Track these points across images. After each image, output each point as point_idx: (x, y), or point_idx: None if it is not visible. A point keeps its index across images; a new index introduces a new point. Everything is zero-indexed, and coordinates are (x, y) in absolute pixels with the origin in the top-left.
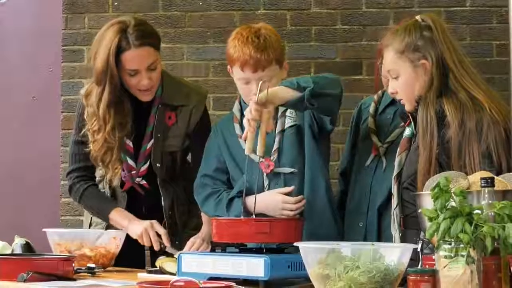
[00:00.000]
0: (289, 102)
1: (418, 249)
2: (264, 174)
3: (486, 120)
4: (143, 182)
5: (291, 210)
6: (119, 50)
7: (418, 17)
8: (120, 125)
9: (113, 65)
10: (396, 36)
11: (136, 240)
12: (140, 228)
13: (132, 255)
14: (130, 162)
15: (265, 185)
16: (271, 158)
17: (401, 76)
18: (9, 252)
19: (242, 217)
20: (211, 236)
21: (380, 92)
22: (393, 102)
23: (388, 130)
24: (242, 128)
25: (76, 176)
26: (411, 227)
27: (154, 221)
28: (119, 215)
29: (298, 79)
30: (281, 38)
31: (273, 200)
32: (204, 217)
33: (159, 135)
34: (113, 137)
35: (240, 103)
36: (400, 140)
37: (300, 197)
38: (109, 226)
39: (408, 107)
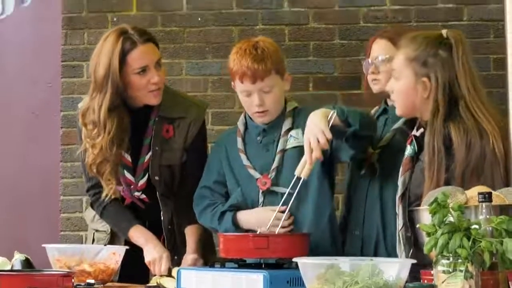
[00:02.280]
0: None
1: None
2: (260, 191)
3: (489, 159)
4: (143, 196)
5: (282, 228)
6: (124, 53)
7: (444, 32)
8: (120, 140)
9: (116, 67)
10: (412, 42)
11: (139, 254)
12: (153, 256)
13: (135, 269)
14: (128, 175)
15: (259, 202)
16: (269, 175)
17: (401, 81)
18: (8, 268)
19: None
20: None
21: (377, 107)
22: (385, 111)
23: (380, 137)
24: (244, 142)
25: (94, 193)
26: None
27: (168, 255)
28: (138, 234)
29: (349, 111)
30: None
31: (264, 217)
32: (189, 230)
33: (156, 148)
34: (110, 150)
35: (245, 117)
36: (392, 144)
37: (290, 217)
38: (110, 242)
39: (397, 111)
